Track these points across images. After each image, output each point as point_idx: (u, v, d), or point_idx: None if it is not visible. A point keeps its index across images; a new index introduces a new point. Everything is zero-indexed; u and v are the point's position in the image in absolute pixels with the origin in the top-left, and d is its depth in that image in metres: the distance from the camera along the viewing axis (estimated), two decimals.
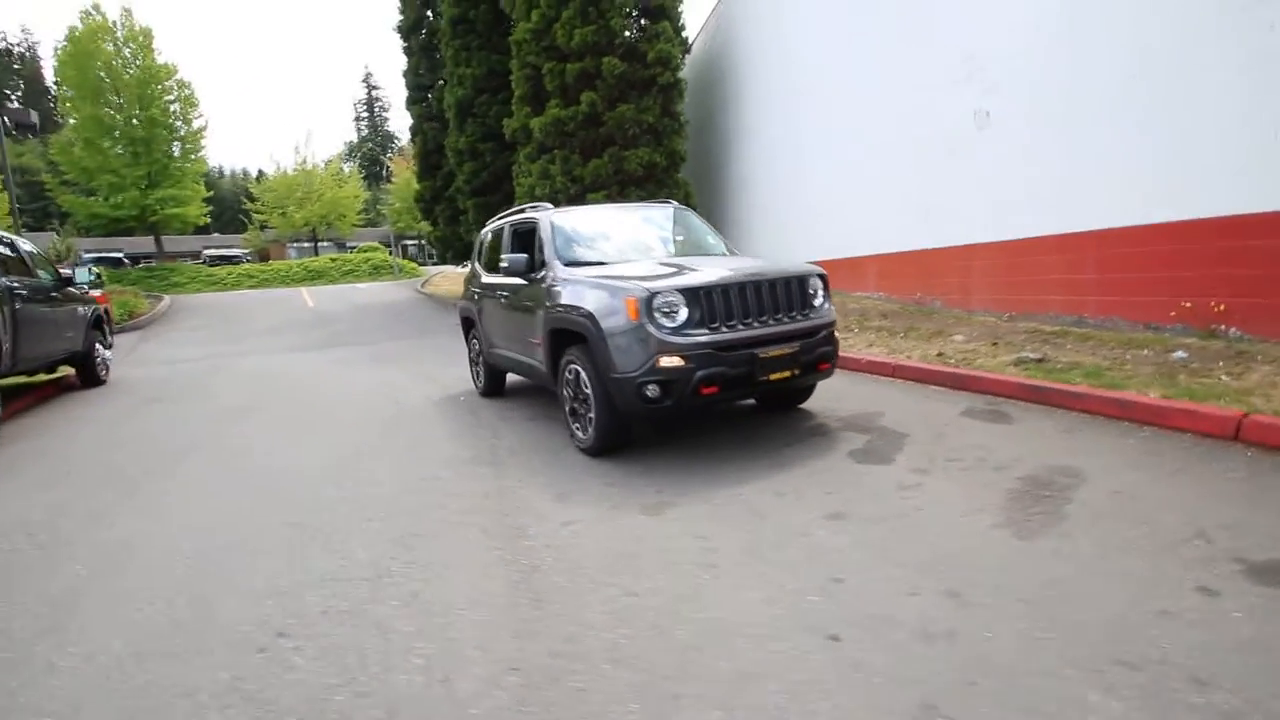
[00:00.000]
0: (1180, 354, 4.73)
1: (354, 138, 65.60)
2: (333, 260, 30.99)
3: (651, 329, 3.46)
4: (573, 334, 3.98)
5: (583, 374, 3.81)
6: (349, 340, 11.87)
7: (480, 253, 6.14)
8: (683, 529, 2.77)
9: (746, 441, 3.94)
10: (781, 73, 11.77)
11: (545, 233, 4.57)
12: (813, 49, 10.41)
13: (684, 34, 13.31)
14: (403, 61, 18.73)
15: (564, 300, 4.04)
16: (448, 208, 18.49)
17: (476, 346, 6.11)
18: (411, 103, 18.28)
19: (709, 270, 3.78)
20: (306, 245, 42.12)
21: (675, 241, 4.92)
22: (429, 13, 18.46)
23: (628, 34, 12.62)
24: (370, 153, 62.75)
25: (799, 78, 10.97)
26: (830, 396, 4.70)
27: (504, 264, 4.61)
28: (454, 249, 18.94)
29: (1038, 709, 1.55)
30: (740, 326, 3.61)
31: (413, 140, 18.92)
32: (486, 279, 5.74)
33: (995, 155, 6.82)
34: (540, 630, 2.09)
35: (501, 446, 4.35)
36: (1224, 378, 4.11)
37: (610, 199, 12.86)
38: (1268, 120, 4.44)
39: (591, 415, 3.80)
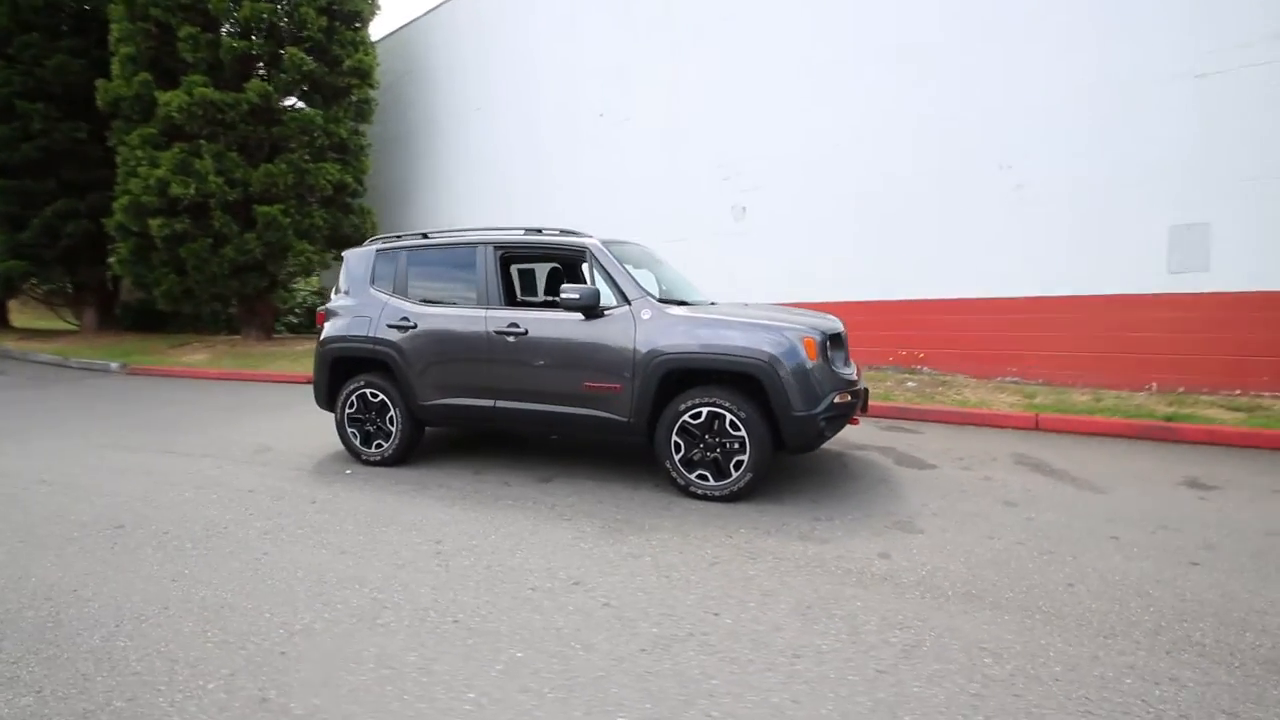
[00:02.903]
0: (912, 383, 7.44)
1: None
2: None
3: (830, 368, 3.75)
4: (709, 374, 3.82)
5: (730, 416, 3.69)
6: None
7: (390, 278, 4.65)
8: (986, 539, 3.25)
9: (798, 471, 4.43)
10: (484, 137, 11.89)
11: (615, 266, 4.07)
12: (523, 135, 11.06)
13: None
14: None
15: (682, 341, 3.78)
16: None
17: (377, 399, 4.57)
18: None
19: (807, 316, 4.24)
20: None
21: (682, 284, 4.98)
22: None
23: (319, 30, 10.66)
24: None
25: (513, 143, 11.40)
26: None
27: (571, 296, 3.86)
28: None
29: None
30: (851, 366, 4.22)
31: None
32: (426, 311, 4.47)
33: (750, 243, 8.97)
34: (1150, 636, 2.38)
35: (603, 512, 3.63)
36: (955, 395, 6.80)
37: (289, 217, 10.49)
38: (936, 248, 7.56)
39: (742, 458, 3.71)
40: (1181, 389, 6.24)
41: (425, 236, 4.76)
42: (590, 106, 10.41)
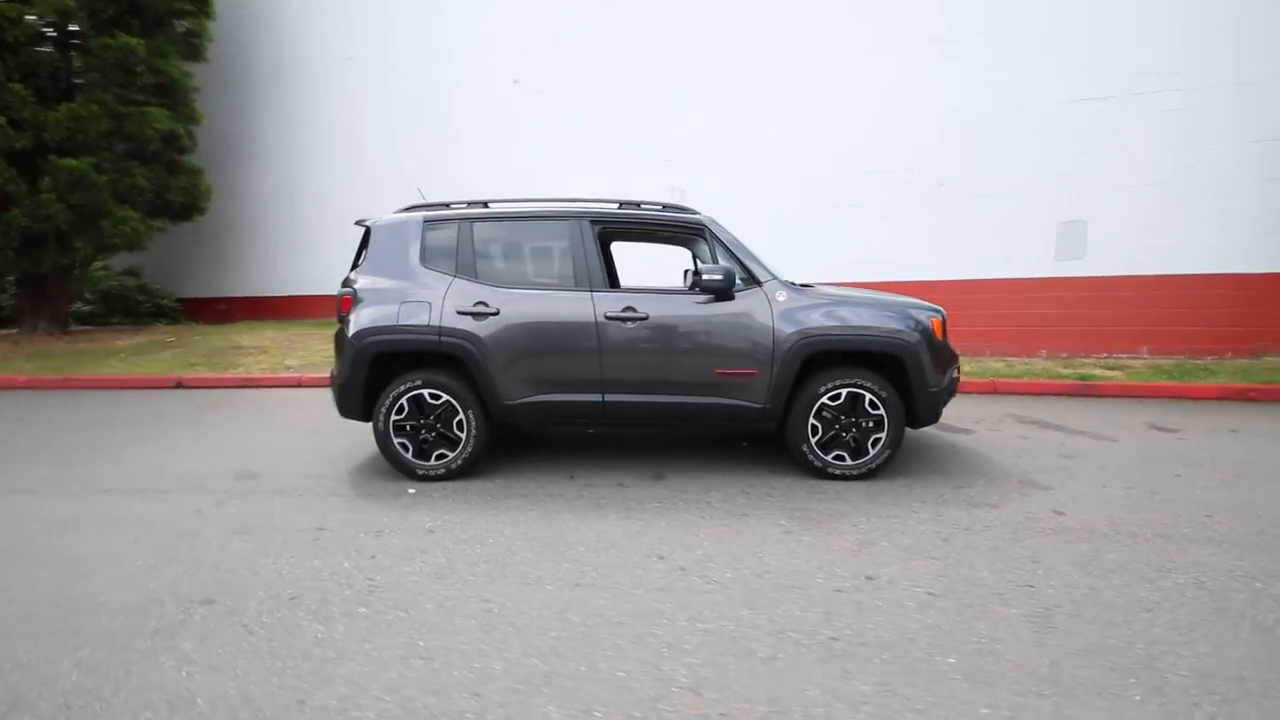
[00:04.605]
0: None
1: None
2: None
3: (948, 345, 3.98)
4: (844, 355, 3.82)
5: (869, 396, 3.76)
6: None
7: (449, 255, 3.86)
8: (1101, 488, 3.72)
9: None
10: (363, 93, 10.33)
11: (740, 245, 3.85)
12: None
13: None
14: None
15: (828, 322, 3.75)
16: None
17: (439, 401, 3.81)
18: None
19: (905, 298, 4.43)
20: None
21: None
22: None
23: None
24: None
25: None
26: None
27: (714, 278, 3.58)
28: None
29: None
30: None
31: None
32: (512, 294, 3.82)
33: None
34: None
35: (768, 504, 3.47)
36: None
37: (105, 174, 8.14)
38: (877, 238, 8.34)
39: (879, 436, 3.80)
40: (1064, 354, 7.73)
41: (486, 205, 4.03)
42: (504, 70, 9.55)
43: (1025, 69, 7.63)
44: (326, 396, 6.93)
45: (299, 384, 7.33)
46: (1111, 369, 7.05)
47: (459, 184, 9.67)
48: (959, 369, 4.19)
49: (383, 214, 4.06)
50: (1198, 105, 7.16)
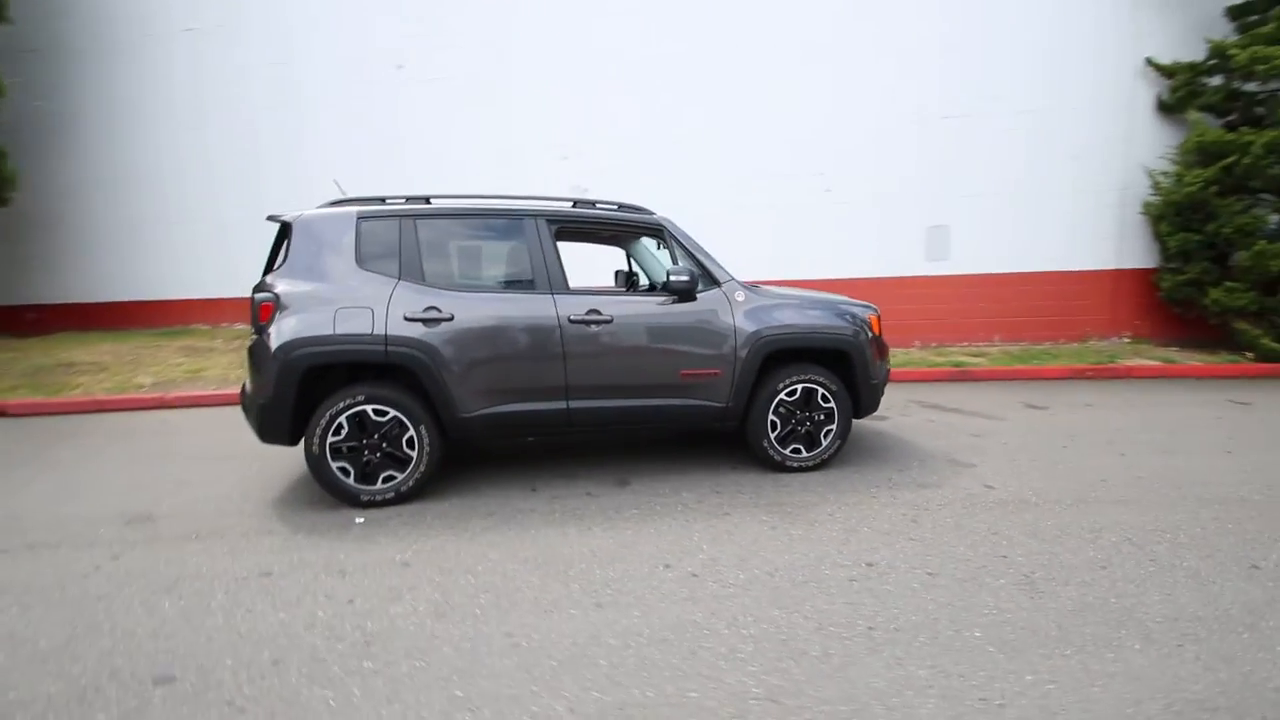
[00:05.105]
0: None
1: None
2: None
3: (883, 340, 4.27)
4: (798, 352, 3.98)
5: (821, 390, 3.96)
6: None
7: (391, 255, 3.49)
8: (1011, 462, 4.18)
9: None
10: (214, 69, 9.14)
11: (693, 243, 3.85)
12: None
13: None
14: None
15: (786, 321, 3.89)
16: None
17: (385, 418, 3.45)
18: None
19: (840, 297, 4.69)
20: None
21: None
22: None
23: None
24: None
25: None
26: None
27: (681, 279, 3.55)
28: None
29: None
30: None
31: None
32: (467, 298, 3.54)
33: None
34: None
35: (741, 501, 3.54)
36: None
37: None
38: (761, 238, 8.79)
39: (830, 428, 4.01)
40: (935, 344, 8.66)
41: (427, 201, 3.69)
42: (388, 54, 8.83)
43: (900, 89, 8.44)
44: (201, 419, 6.10)
45: (161, 405, 6.29)
46: (975, 356, 8.01)
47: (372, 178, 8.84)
48: (889, 361, 4.53)
49: (305, 209, 3.58)
50: (1026, 126, 8.35)
